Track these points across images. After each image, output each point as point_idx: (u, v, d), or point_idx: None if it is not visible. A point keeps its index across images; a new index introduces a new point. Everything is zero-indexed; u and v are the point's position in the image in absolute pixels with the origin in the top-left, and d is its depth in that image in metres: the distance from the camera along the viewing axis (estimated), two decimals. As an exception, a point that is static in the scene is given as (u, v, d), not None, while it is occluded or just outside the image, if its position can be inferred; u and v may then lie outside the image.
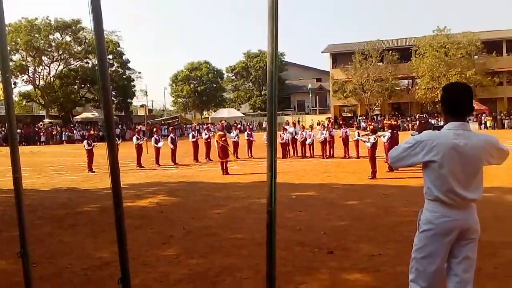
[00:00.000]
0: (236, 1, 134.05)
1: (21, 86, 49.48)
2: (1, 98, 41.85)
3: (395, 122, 18.74)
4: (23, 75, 47.69)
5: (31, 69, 48.10)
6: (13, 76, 47.14)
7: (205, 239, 6.58)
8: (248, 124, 25.83)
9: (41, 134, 41.11)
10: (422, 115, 46.68)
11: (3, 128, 37.61)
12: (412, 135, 3.01)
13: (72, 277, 5.08)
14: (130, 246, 6.11)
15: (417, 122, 43.73)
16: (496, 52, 44.72)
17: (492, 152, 2.81)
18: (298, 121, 43.48)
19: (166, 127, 42.63)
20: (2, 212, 9.33)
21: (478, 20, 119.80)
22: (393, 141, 13.87)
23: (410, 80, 50.59)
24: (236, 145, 20.01)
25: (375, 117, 48.31)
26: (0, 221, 8.41)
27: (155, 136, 18.93)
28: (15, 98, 51.84)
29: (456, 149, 2.68)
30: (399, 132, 16.05)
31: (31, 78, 48.50)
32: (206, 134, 19.91)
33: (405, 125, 43.79)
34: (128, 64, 55.00)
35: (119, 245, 2.60)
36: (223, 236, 6.72)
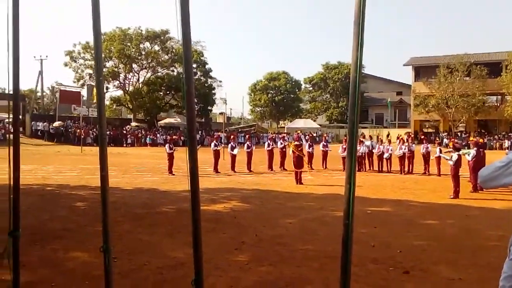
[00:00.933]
0: (317, 12, 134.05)
1: (112, 91, 53.10)
2: (95, 101, 45.10)
3: (482, 140, 17.58)
4: (114, 81, 51.11)
5: (122, 75, 51.42)
6: (105, 82, 50.72)
7: (276, 247, 6.59)
8: (325, 135, 25.53)
9: (128, 136, 43.61)
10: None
11: (95, 130, 40.41)
12: (507, 153, 2.80)
13: (149, 274, 5.31)
14: (203, 249, 6.28)
15: (506, 141, 40.77)
16: None
17: None
18: (388, 136, 41.95)
19: (242, 135, 43.41)
20: (89, 207, 9.98)
21: None
22: (479, 160, 13.05)
23: (500, 97, 47.35)
24: (310, 156, 19.87)
25: (459, 133, 45.76)
26: (85, 216, 8.99)
27: (232, 143, 19.37)
28: (107, 102, 55.71)
29: (554, 169, 2.46)
30: (485, 151, 15.05)
31: (122, 84, 51.84)
32: (281, 144, 20.01)
33: (492, 143, 40.98)
34: (210, 73, 56.92)
35: (194, 247, 2.69)
36: (294, 246, 6.69)
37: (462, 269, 5.61)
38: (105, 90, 51.92)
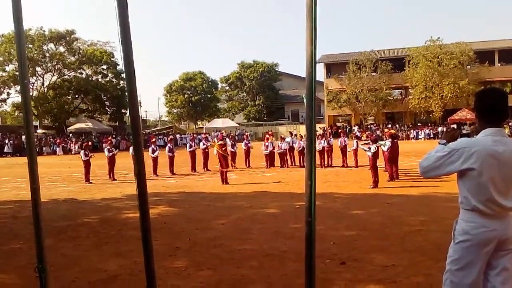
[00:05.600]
0: (229, 11, 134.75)
1: (14, 96, 49.14)
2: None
3: (395, 131, 18.72)
4: (16, 86, 47.31)
5: (24, 79, 47.63)
6: (6, 87, 46.83)
7: (212, 250, 6.44)
8: (246, 133, 25.69)
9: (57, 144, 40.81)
10: (417, 124, 47.08)
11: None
12: (439, 143, 2.91)
13: (80, 291, 4.91)
14: (136, 258, 6.02)
15: (412, 132, 43.86)
16: (489, 62, 45.20)
17: None
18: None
19: (161, 137, 42.39)
20: (1, 224, 9.12)
21: (470, 31, 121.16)
22: (393, 151, 13.84)
23: (404, 90, 50.92)
24: (234, 154, 19.87)
25: (369, 126, 48.48)
26: (-2, 234, 8.20)
27: (152, 146, 18.77)
28: (8, 108, 51.47)
29: (495, 156, 2.59)
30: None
31: (25, 89, 48.05)
32: (204, 144, 19.78)
33: (399, 134, 43.94)
34: (122, 75, 54.74)
35: (145, 256, 2.47)
36: (230, 247, 6.58)
37: (394, 256, 5.85)
38: (6, 96, 48.11)
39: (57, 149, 40.60)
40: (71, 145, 41.41)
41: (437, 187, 11.59)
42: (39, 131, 46.47)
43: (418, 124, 47.69)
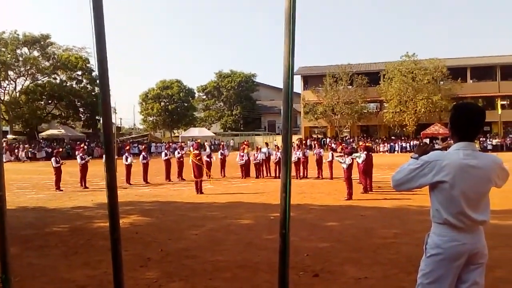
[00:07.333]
0: (207, 21, 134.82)
1: (-16, 100, 47.79)
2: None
3: (370, 144, 18.97)
4: (-13, 90, 46.11)
5: (-4, 83, 46.59)
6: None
7: (184, 261, 6.34)
8: (223, 143, 25.61)
9: (5, 151, 39.41)
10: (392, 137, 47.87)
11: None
12: (411, 157, 2.93)
13: (46, 303, 4.75)
14: (106, 269, 5.87)
15: (386, 145, 44.51)
16: (461, 79, 46.40)
17: (498, 172, 2.77)
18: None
19: (135, 145, 41.84)
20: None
21: (444, 47, 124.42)
22: (368, 163, 13.99)
23: (379, 104, 51.75)
24: (209, 164, 19.72)
25: (345, 138, 49.01)
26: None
27: (127, 154, 18.48)
28: (-23, 112, 50.02)
29: (466, 169, 2.62)
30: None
31: (-4, 93, 46.97)
32: (179, 153, 19.60)
33: (373, 147, 44.47)
34: (97, 81, 53.85)
35: (114, 270, 2.40)
36: (203, 258, 6.49)
37: (366, 268, 5.87)
38: (-25, 100, 46.73)
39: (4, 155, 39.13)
40: (18, 152, 40.16)
41: (409, 200, 11.76)
42: (10, 136, 45.31)
43: (392, 137, 48.49)
